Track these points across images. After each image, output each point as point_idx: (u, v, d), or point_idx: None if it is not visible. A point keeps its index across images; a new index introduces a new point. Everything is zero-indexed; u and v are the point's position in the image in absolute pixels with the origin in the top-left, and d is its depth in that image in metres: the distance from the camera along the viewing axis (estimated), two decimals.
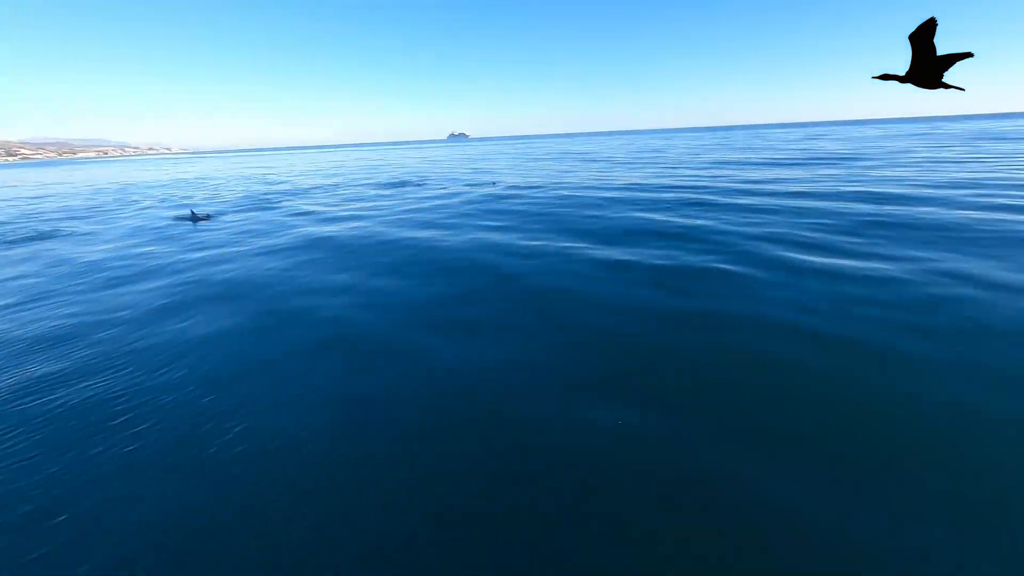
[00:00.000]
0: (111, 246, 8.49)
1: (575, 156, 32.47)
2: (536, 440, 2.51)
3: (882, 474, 2.15)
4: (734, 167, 17.94)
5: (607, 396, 2.88)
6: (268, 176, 26.54)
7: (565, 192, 12.85)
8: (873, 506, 1.99)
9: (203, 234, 9.19)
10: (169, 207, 14.21)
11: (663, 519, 1.98)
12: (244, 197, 15.94)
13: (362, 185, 18.44)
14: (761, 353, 3.31)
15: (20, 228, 11.12)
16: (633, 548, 1.84)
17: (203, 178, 27.67)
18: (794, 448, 2.35)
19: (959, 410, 2.58)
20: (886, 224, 7.00)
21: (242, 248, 7.70)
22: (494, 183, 16.29)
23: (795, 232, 6.80)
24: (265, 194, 16.64)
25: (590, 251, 6.39)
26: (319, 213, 11.30)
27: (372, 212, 11.08)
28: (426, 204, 12.00)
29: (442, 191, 14.88)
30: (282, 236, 8.59)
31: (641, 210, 9.35)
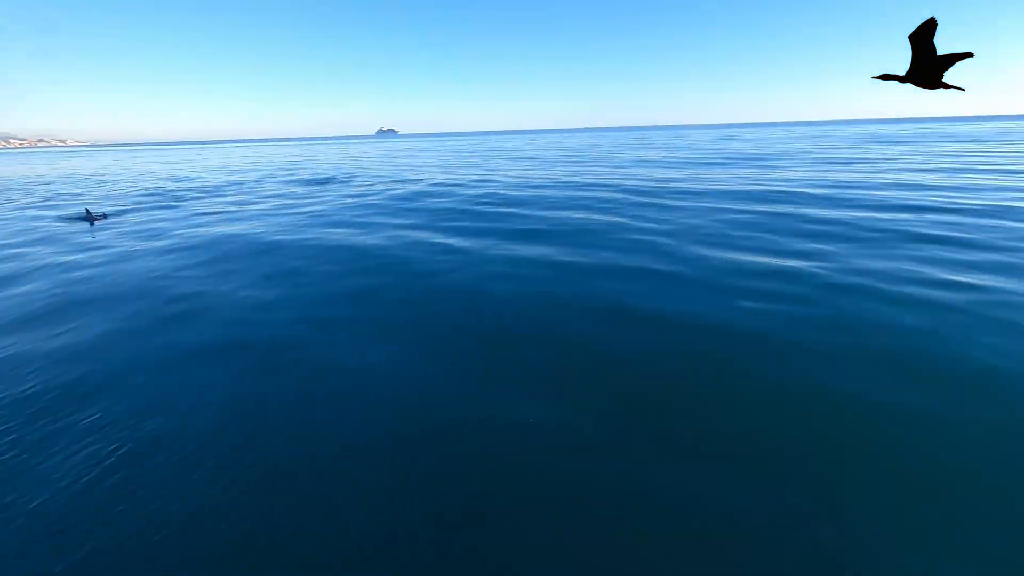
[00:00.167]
0: None
1: (504, 153, 32.69)
2: (442, 438, 2.51)
3: (794, 468, 2.23)
4: (651, 166, 18.81)
5: (513, 393, 2.92)
6: (177, 172, 24.73)
7: (487, 190, 12.94)
8: (775, 497, 2.06)
9: (98, 235, 8.46)
10: (52, 207, 12.90)
11: (568, 518, 1.98)
12: (147, 195, 14.78)
13: (281, 182, 17.63)
14: (670, 349, 3.41)
15: None
16: (537, 548, 1.86)
17: (101, 174, 25.32)
18: (702, 446, 2.39)
19: (861, 400, 2.72)
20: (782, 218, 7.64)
21: (136, 248, 7.17)
22: (420, 179, 16.14)
23: (704, 229, 7.25)
24: (171, 191, 15.52)
25: (501, 248, 6.50)
26: (227, 212, 10.70)
27: (282, 211, 10.64)
28: (343, 202, 11.68)
29: (363, 188, 14.53)
30: (181, 236, 8.07)
31: (559, 208, 9.61)
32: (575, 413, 2.67)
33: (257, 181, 18.07)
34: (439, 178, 16.88)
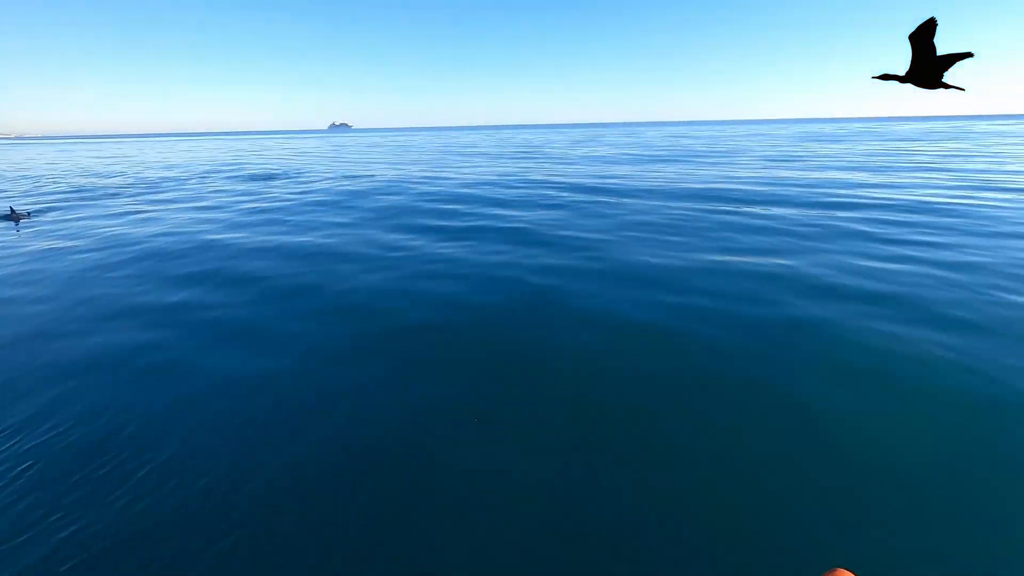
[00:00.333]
0: None
1: (455, 149, 32.59)
2: (340, 434, 2.63)
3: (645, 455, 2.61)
4: (600, 162, 19.26)
5: (398, 381, 3.09)
6: (112, 168, 23.40)
7: (428, 188, 12.97)
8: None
9: (23, 233, 8.03)
10: None
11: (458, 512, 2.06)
12: (75, 191, 14.00)
13: (225, 177, 17.03)
14: (568, 345, 3.61)
15: None
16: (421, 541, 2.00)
17: (22, 168, 23.67)
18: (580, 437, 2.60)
19: (749, 386, 3.04)
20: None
21: (54, 248, 6.87)
22: (371, 176, 15.96)
23: (618, 228, 7.58)
24: (102, 188, 14.75)
25: (419, 247, 6.62)
26: (154, 211, 10.32)
27: (215, 209, 10.37)
28: (278, 202, 11.46)
29: (303, 186, 14.26)
30: (102, 238, 7.75)
31: (492, 205, 9.79)
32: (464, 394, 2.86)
33: (199, 177, 17.39)
34: (389, 173, 16.73)
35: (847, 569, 1.47)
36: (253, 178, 16.57)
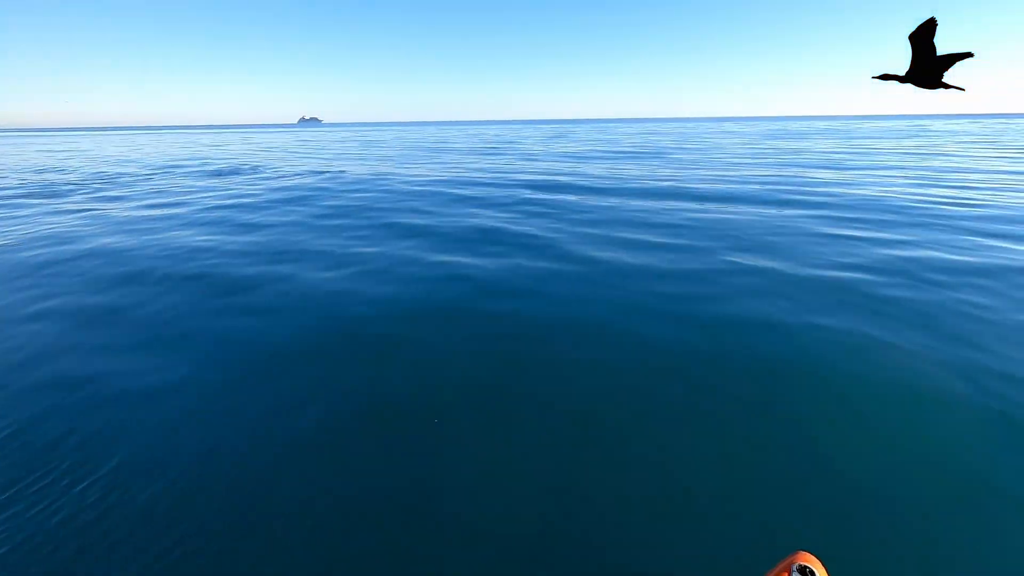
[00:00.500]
0: None
1: (425, 145, 32.35)
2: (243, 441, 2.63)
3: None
4: (569, 159, 19.38)
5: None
6: (65, 163, 22.39)
7: (397, 185, 12.86)
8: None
9: None
10: None
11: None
12: (20, 185, 13.39)
13: (178, 175, 16.52)
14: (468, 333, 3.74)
15: None
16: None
17: None
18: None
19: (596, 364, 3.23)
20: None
21: None
22: (343, 172, 15.71)
23: (576, 228, 7.66)
24: (52, 183, 14.14)
25: (342, 248, 6.58)
26: (93, 211, 9.96)
27: (161, 208, 10.06)
28: (233, 200, 11.20)
29: (264, 183, 13.96)
30: (30, 238, 7.46)
31: (433, 203, 9.76)
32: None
33: (147, 176, 16.82)
34: (353, 169, 16.50)
35: (808, 552, 1.54)
36: (208, 175, 16.14)
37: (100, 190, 12.76)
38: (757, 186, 10.96)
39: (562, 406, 2.74)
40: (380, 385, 3.01)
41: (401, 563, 1.79)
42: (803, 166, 15.10)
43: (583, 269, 5.25)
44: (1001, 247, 5.80)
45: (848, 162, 15.95)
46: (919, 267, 5.08)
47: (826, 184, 11.12)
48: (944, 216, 7.55)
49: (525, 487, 2.14)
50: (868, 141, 28.02)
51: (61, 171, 18.38)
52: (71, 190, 12.84)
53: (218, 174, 16.29)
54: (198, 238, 7.11)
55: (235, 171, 17.34)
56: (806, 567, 1.35)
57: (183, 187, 13.19)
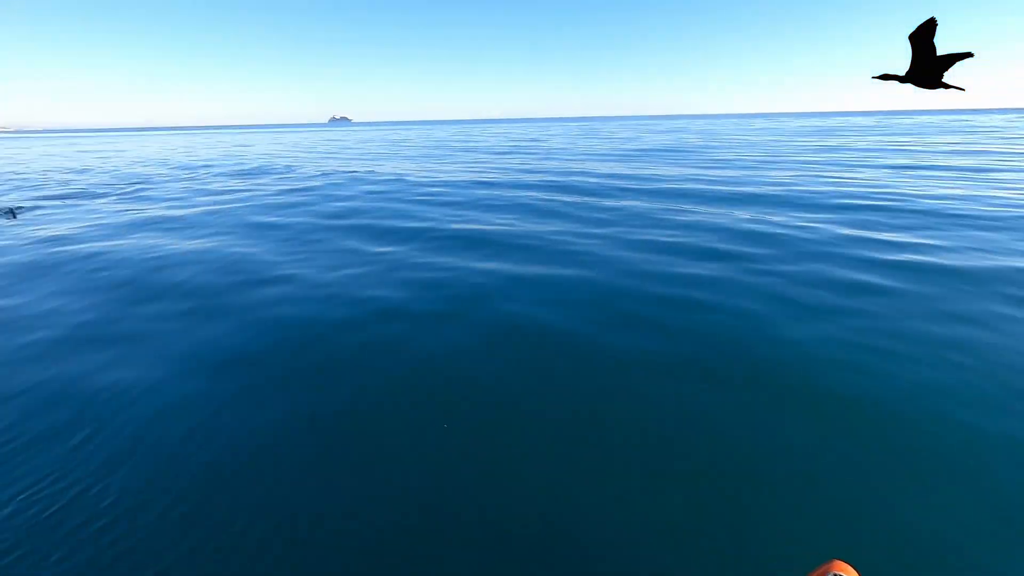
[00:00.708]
0: None
1: (451, 144, 32.55)
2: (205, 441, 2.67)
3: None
4: (595, 159, 19.23)
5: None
6: (107, 163, 23.37)
7: (405, 185, 12.96)
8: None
9: (20, 230, 8.03)
10: None
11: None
12: (65, 185, 14.00)
13: (218, 174, 17.01)
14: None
15: None
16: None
17: (20, 162, 23.63)
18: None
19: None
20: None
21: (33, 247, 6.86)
22: (372, 172, 15.94)
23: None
24: (95, 184, 14.75)
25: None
26: (129, 211, 10.32)
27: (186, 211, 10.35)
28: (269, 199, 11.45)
29: (287, 183, 14.24)
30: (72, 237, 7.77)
31: (441, 205, 9.77)
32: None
33: (190, 170, 17.39)
34: (384, 171, 16.72)
35: (843, 560, 1.48)
36: (233, 175, 16.57)
37: (142, 189, 13.25)
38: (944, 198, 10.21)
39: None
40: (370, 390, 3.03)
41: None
42: (926, 168, 14.40)
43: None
44: None
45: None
46: None
47: None
48: None
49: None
50: (969, 136, 26.92)
51: (101, 172, 19.14)
52: (107, 191, 13.38)
53: (258, 172, 16.71)
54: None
55: (264, 171, 17.75)
56: None
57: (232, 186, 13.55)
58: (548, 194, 10.59)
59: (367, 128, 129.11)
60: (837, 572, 1.33)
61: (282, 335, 3.89)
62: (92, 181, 15.86)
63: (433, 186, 12.42)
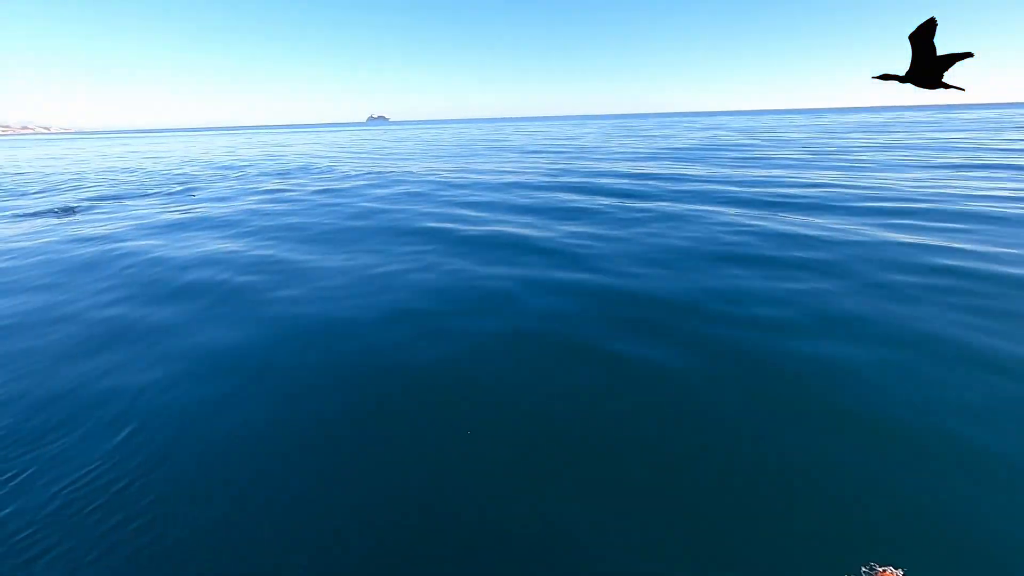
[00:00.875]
0: None
1: (485, 142, 32.70)
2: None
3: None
4: (631, 158, 18.98)
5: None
6: (161, 162, 24.55)
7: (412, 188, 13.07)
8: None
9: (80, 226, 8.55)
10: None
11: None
12: (122, 184, 14.78)
13: (259, 174, 17.61)
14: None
15: None
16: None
17: (81, 161, 25.07)
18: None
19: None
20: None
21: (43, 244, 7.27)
22: (411, 172, 16.21)
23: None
24: (147, 184, 15.51)
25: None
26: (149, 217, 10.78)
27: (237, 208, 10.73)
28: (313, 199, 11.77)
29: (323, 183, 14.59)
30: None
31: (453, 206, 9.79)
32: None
33: (238, 170, 18.06)
34: (416, 171, 16.95)
35: (893, 568, 1.44)
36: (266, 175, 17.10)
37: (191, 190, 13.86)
38: None
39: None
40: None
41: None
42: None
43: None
44: None
45: None
46: None
47: None
48: None
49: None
50: None
51: (158, 172, 20.07)
52: (156, 191, 14.03)
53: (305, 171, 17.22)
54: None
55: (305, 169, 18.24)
56: None
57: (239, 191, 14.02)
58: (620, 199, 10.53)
59: (404, 127, 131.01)
60: None
61: (315, 336, 4.00)
62: (144, 181, 16.67)
63: (465, 187, 12.51)
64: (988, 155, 15.47)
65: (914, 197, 9.01)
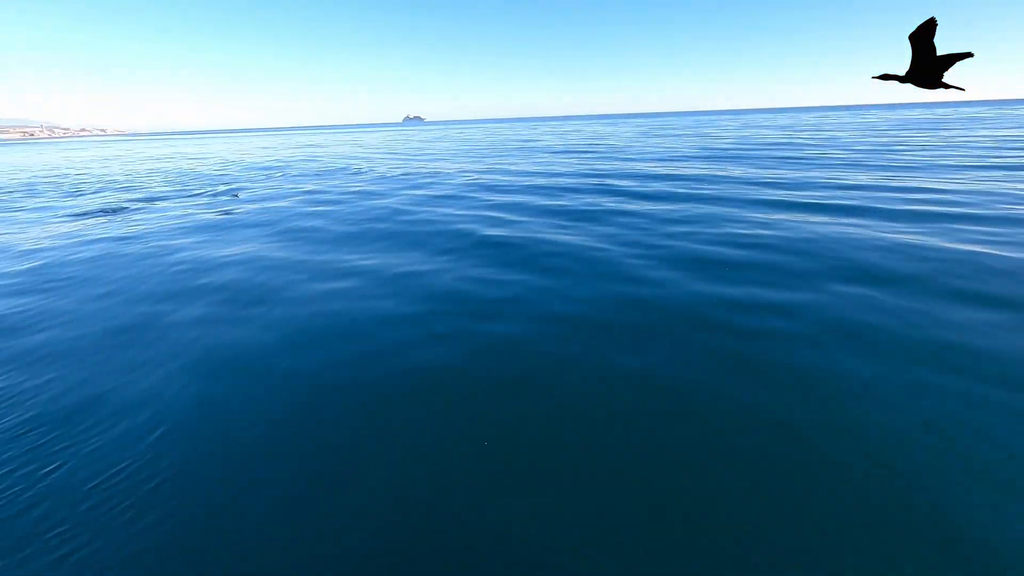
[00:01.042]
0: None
1: (518, 142, 32.70)
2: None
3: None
4: (660, 160, 18.64)
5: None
6: (205, 162, 25.56)
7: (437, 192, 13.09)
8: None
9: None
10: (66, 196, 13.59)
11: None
12: (170, 184, 15.44)
13: (297, 175, 18.10)
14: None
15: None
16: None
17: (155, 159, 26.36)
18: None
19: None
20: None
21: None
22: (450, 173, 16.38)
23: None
24: (193, 184, 16.16)
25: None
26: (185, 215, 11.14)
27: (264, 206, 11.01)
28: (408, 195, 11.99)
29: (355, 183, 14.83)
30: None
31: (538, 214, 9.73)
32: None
33: (280, 169, 18.62)
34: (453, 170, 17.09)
35: None
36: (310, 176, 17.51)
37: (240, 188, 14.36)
38: None
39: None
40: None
41: None
42: None
43: None
44: None
45: None
46: None
47: None
48: None
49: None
50: None
51: (212, 172, 20.88)
52: (203, 190, 14.58)
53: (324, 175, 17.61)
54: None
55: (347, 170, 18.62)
56: None
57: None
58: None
59: (438, 127, 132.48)
60: None
61: (354, 338, 4.06)
62: (190, 182, 17.35)
63: (495, 189, 12.52)
64: None
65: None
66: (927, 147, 18.41)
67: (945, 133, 25.11)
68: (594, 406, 2.99)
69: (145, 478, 2.54)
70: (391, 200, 11.37)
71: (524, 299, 4.82)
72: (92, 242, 8.24)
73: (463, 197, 11.35)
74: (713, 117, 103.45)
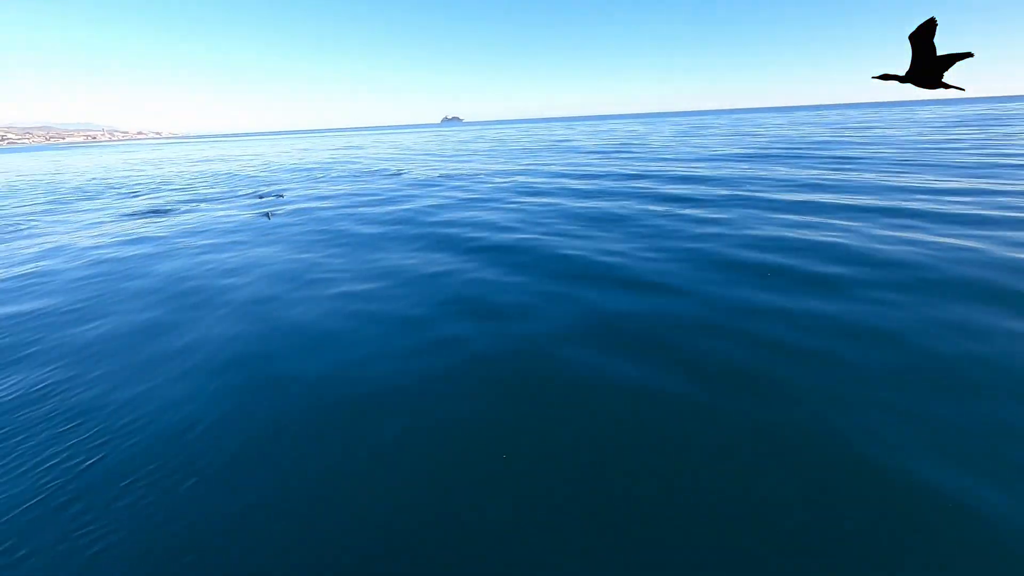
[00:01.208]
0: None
1: (551, 143, 32.52)
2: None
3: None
4: (697, 160, 18.16)
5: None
6: (250, 164, 26.49)
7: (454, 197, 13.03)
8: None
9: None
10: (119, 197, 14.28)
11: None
12: (215, 186, 16.07)
13: (337, 176, 18.52)
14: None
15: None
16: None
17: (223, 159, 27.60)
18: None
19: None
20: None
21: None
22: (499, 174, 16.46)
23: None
24: (237, 186, 16.75)
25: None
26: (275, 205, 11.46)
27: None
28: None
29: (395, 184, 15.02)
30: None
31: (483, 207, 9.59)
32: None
33: (323, 170, 19.12)
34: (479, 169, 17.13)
35: None
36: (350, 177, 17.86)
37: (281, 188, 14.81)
38: None
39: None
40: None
41: None
42: None
43: None
44: None
45: None
46: None
47: None
48: None
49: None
50: None
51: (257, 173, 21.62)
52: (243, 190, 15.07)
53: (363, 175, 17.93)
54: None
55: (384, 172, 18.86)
56: None
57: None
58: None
59: (475, 127, 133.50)
60: None
61: (387, 340, 4.09)
62: (235, 184, 17.99)
63: (529, 193, 12.45)
64: None
65: None
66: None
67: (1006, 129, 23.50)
68: (634, 418, 2.90)
69: (183, 477, 2.61)
70: (422, 203, 11.46)
71: (570, 298, 4.75)
72: (141, 240, 8.63)
73: (494, 200, 11.34)
74: (755, 115, 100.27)
